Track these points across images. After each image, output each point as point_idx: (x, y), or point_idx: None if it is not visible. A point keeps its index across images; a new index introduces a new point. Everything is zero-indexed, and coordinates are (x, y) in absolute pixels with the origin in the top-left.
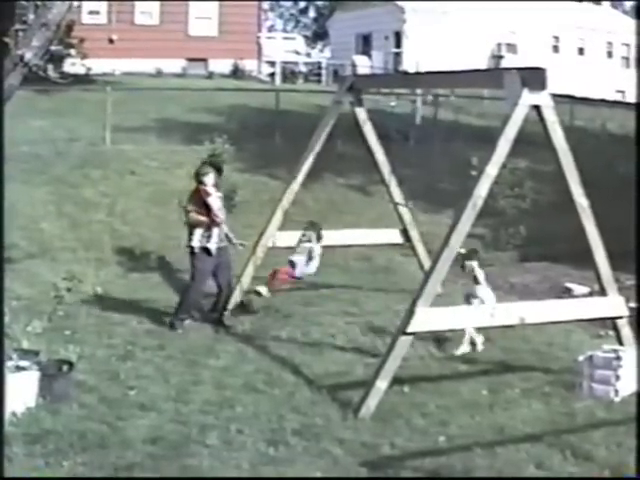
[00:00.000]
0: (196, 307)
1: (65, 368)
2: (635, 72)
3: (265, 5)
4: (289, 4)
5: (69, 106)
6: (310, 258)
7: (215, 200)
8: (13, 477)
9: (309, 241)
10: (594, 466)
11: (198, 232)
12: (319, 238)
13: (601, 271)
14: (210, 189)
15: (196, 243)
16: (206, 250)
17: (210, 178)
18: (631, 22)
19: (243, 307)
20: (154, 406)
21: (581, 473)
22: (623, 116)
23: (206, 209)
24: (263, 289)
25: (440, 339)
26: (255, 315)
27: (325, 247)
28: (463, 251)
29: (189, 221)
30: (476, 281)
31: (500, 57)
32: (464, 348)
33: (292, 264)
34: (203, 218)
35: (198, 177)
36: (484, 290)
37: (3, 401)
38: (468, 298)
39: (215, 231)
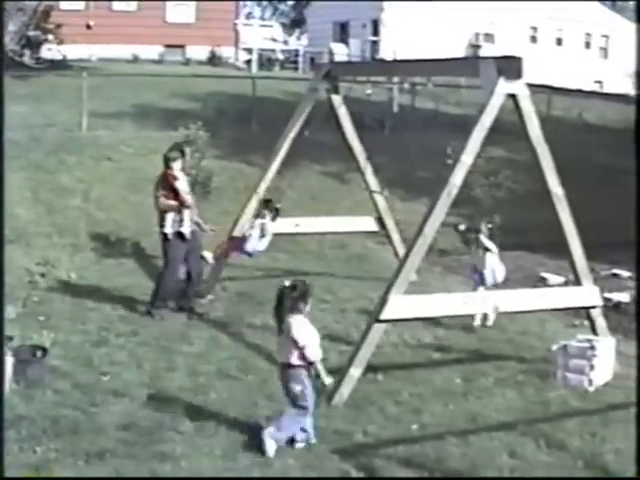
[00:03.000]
0: (171, 294)
1: (39, 354)
2: (613, 63)
3: None
4: None
5: (45, 92)
6: (262, 235)
7: (183, 184)
8: (13, 477)
9: (263, 218)
10: (567, 455)
11: (170, 217)
12: (274, 217)
13: (576, 261)
14: (178, 173)
15: (169, 229)
16: (180, 235)
17: (178, 163)
18: (609, 13)
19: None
20: (127, 392)
21: (554, 462)
22: (600, 106)
23: (174, 193)
24: (208, 254)
25: None
26: (229, 302)
27: (300, 234)
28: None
29: (159, 207)
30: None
31: (478, 46)
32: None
33: (244, 238)
34: (173, 202)
35: (167, 162)
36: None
37: (2, 404)
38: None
39: (186, 214)
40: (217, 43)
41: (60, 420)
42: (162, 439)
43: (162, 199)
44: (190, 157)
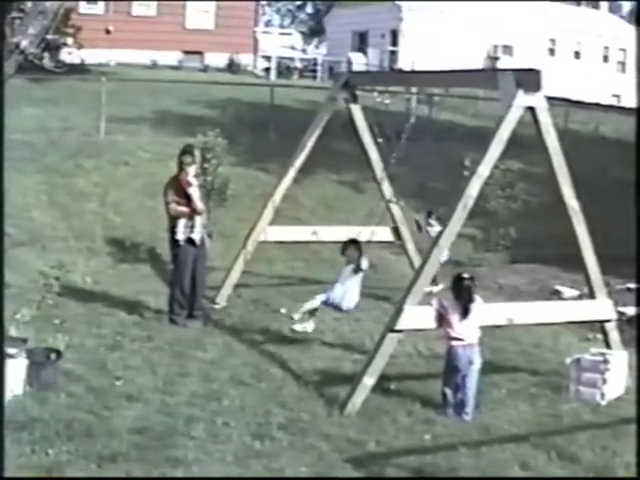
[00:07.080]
0: (184, 298)
1: (53, 357)
2: (631, 77)
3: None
4: None
5: (64, 95)
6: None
7: (196, 190)
8: (13, 477)
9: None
10: (579, 468)
11: (182, 223)
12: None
13: (591, 274)
14: (192, 179)
15: (181, 236)
16: (190, 241)
17: (192, 168)
18: (628, 27)
19: None
20: (141, 397)
21: (566, 474)
22: (617, 120)
23: (186, 199)
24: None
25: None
26: (244, 309)
27: (316, 243)
28: None
29: (171, 213)
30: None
31: (496, 58)
32: (299, 327)
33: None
34: (184, 209)
35: (181, 166)
36: None
37: (3, 403)
38: None
39: (198, 220)
40: (236, 50)
41: (73, 423)
42: (174, 444)
43: (173, 205)
44: (200, 159)
